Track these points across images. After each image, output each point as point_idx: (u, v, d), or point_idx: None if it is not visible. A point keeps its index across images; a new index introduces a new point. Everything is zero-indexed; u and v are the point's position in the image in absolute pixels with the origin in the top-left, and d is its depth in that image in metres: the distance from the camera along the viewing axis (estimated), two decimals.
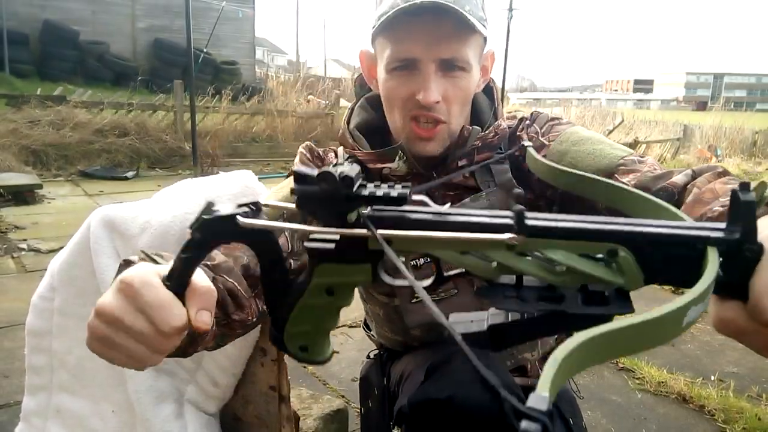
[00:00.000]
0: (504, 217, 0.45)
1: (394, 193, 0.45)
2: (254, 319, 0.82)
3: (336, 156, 1.04)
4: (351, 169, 0.46)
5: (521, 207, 0.44)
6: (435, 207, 0.48)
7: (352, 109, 1.05)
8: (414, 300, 0.95)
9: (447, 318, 0.51)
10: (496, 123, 0.97)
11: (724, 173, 0.77)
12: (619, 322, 0.36)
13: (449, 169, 0.95)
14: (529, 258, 0.45)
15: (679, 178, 0.79)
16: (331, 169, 0.45)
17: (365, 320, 1.24)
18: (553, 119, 0.99)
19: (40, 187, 5.37)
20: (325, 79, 15.95)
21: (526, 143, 0.76)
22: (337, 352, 2.42)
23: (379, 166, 0.95)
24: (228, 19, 13.99)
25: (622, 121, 11.61)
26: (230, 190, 1.15)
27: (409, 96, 0.89)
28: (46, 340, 1.20)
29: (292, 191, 0.47)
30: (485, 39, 0.93)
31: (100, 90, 9.15)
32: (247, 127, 8.89)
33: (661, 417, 2.02)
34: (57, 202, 5.32)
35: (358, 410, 1.24)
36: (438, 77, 0.87)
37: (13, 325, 2.53)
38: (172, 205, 1.14)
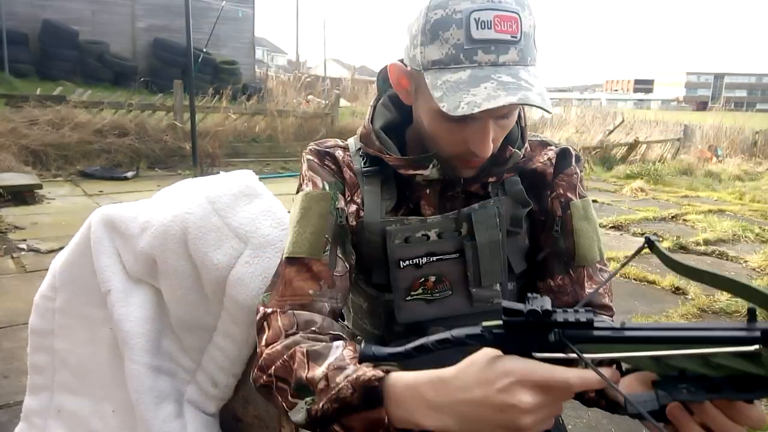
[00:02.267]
0: (721, 329, 0.56)
1: (583, 318, 0.58)
2: None
3: (346, 150, 1.00)
4: (545, 302, 0.59)
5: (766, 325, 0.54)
6: (611, 323, 0.60)
7: (374, 107, 1.00)
8: (408, 298, 0.94)
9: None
10: (526, 146, 0.97)
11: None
12: None
13: (478, 179, 0.95)
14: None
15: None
16: (535, 306, 0.58)
17: None
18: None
19: (40, 187, 5.37)
20: (325, 78, 15.98)
21: (652, 237, 0.71)
22: None
23: (411, 172, 0.93)
24: (228, 18, 14.01)
25: (623, 121, 11.63)
26: (231, 189, 1.15)
27: (461, 142, 0.86)
28: (48, 340, 1.20)
29: (504, 323, 0.60)
30: None
31: (100, 90, 9.14)
32: (247, 127, 8.89)
33: None
34: (56, 202, 5.32)
35: None
36: (493, 127, 0.85)
37: (13, 326, 2.53)
38: (172, 205, 1.14)
